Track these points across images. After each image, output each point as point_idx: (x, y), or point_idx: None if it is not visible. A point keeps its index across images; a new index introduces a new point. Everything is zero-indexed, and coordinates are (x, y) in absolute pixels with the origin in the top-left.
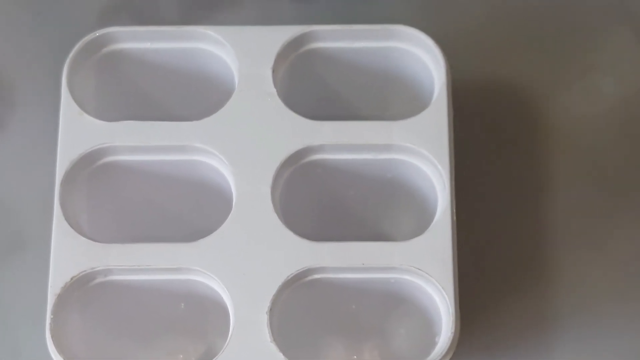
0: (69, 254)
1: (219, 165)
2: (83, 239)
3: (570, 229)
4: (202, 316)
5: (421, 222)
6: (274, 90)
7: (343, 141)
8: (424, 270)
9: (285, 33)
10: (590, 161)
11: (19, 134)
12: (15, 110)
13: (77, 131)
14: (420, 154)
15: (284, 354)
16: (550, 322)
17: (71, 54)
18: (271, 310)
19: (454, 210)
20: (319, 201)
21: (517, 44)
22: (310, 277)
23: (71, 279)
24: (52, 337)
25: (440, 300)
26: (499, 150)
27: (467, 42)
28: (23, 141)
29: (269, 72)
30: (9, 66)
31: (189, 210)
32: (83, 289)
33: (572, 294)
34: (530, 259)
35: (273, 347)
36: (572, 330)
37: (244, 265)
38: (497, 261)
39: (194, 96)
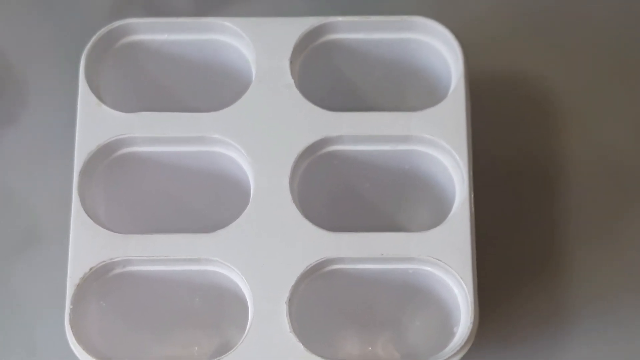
0: (87, 245)
1: (236, 157)
2: (102, 229)
3: (585, 221)
4: (219, 308)
5: (438, 214)
6: (291, 81)
7: (361, 132)
8: (443, 260)
9: (302, 24)
10: (605, 155)
11: (33, 129)
12: (29, 106)
13: (95, 122)
14: (439, 145)
15: (303, 345)
16: (565, 315)
17: (89, 45)
18: (290, 301)
19: (472, 201)
20: (337, 192)
21: (533, 35)
22: (328, 268)
23: (90, 269)
24: (71, 327)
25: (459, 291)
26: (514, 142)
27: (483, 33)
28: (37, 136)
29: (287, 64)
30: (22, 61)
31: (206, 202)
32: (102, 279)
33: (587, 287)
34: (545, 252)
35: (292, 338)
36: (587, 323)
37: (262, 256)
38: (511, 254)
39: (211, 88)
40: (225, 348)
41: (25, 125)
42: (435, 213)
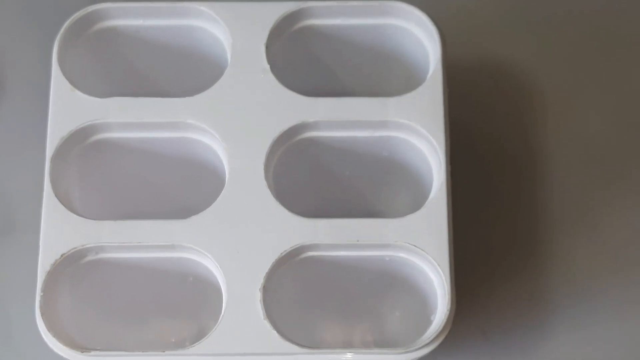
0: (59, 231)
1: (211, 143)
2: (74, 215)
3: (566, 211)
4: (194, 296)
5: (416, 201)
6: (267, 66)
7: (338, 117)
8: (419, 246)
9: (279, 9)
10: (586, 142)
11: (7, 117)
12: (3, 94)
13: (69, 107)
14: (416, 130)
15: (277, 332)
16: (543, 303)
17: (62, 30)
18: (265, 287)
19: (450, 187)
20: (313, 179)
21: (515, 24)
22: (304, 255)
23: (61, 256)
24: (42, 314)
25: (435, 277)
26: (493, 131)
27: (464, 21)
28: (11, 124)
29: (262, 48)
30: None
31: (180, 188)
32: (74, 266)
33: (566, 277)
34: (524, 241)
35: (267, 324)
36: (566, 311)
37: (237, 242)
38: (491, 243)
39: (187, 74)
40: (200, 336)
41: (1, 115)
42: (414, 200)
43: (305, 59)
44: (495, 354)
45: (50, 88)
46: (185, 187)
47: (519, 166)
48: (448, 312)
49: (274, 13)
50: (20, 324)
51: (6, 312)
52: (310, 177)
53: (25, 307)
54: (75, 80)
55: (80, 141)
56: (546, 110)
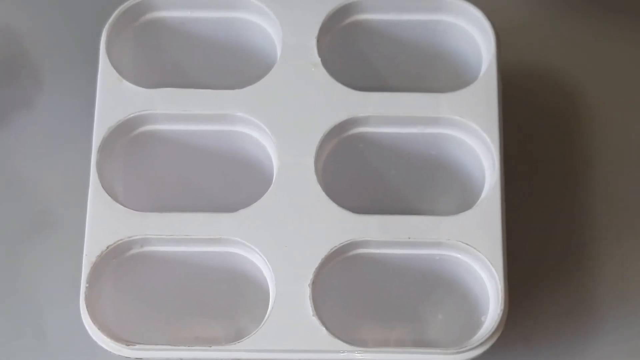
0: (105, 223)
1: (259, 136)
2: (120, 207)
3: (613, 219)
4: (237, 295)
5: (464, 201)
6: (318, 60)
7: (389, 113)
8: (472, 245)
9: (330, 3)
10: (635, 146)
11: (48, 113)
12: (44, 90)
13: (116, 98)
14: (469, 127)
15: (326, 329)
16: (589, 313)
17: (110, 20)
18: (314, 284)
19: (504, 185)
20: (361, 175)
21: (563, 26)
22: (353, 252)
23: (107, 247)
24: (87, 306)
25: (487, 277)
26: (543, 134)
27: (511, 18)
28: (52, 121)
29: (314, 42)
30: (37, 45)
31: (226, 182)
32: (118, 258)
33: (614, 286)
34: (571, 247)
35: (315, 321)
36: (613, 322)
37: (285, 237)
38: (535, 248)
39: (233, 68)
40: (238, 334)
41: (40, 110)
42: (462, 200)
43: (354, 54)
44: None
45: (91, 86)
46: (230, 181)
47: (566, 171)
48: (501, 313)
49: (325, 7)
50: (55, 320)
51: (41, 308)
52: (359, 173)
53: (60, 302)
54: (122, 71)
55: (126, 132)
56: (596, 117)
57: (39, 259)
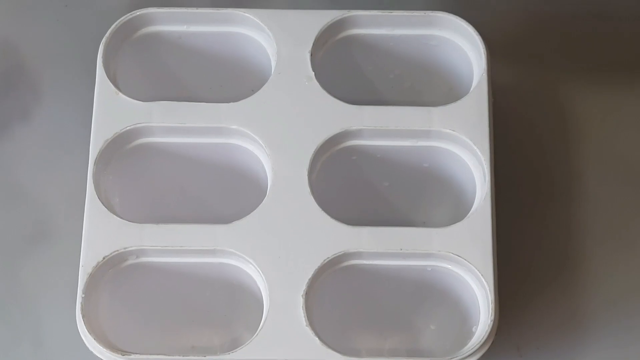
0: (101, 234)
1: (254, 149)
2: (116, 218)
3: (603, 226)
4: (232, 305)
5: (456, 213)
6: (312, 73)
7: (383, 126)
8: (463, 256)
9: (324, 17)
10: (623, 158)
11: (46, 125)
12: (42, 102)
13: (112, 111)
14: (460, 140)
15: (319, 339)
16: (580, 322)
17: (108, 33)
18: (307, 294)
19: (494, 197)
20: (355, 188)
21: (554, 40)
22: (346, 263)
23: (103, 258)
24: (83, 316)
25: (478, 288)
26: (531, 145)
27: (503, 31)
28: (50, 132)
29: (307, 56)
30: (35, 57)
31: (221, 194)
32: (114, 269)
33: (604, 294)
34: (561, 258)
35: (308, 331)
36: (603, 330)
37: (279, 248)
38: (526, 258)
39: (228, 81)
40: (235, 345)
41: (38, 121)
42: (454, 211)
43: (348, 68)
44: None
45: (88, 97)
46: (225, 193)
47: (556, 183)
48: (492, 323)
49: (319, 21)
50: (52, 329)
51: (39, 317)
52: (352, 185)
53: (58, 311)
54: (119, 84)
55: (123, 144)
56: (583, 126)
57: (36, 268)
